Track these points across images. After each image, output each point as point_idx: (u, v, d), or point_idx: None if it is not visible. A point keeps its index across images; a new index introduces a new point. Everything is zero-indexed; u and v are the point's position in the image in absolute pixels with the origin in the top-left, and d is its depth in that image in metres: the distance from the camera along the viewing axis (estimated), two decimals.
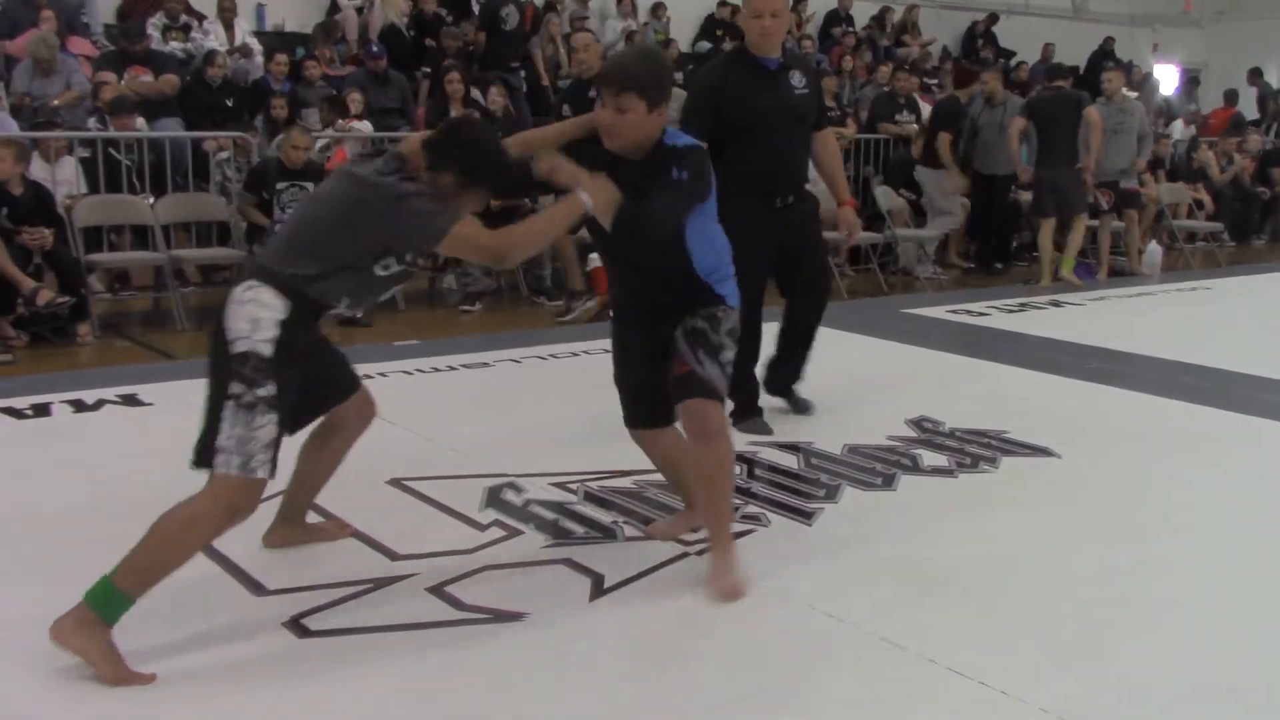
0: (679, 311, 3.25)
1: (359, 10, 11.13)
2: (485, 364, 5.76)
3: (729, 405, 3.38)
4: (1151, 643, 2.96)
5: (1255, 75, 16.34)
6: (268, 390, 2.76)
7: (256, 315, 2.77)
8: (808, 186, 4.85)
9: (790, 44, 6.11)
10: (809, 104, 4.69)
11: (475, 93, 9.28)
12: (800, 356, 5.03)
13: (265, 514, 3.50)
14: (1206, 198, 12.44)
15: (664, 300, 3.28)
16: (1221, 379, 5.88)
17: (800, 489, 4.03)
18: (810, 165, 4.87)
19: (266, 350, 2.76)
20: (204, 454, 2.83)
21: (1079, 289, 9.14)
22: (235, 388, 2.76)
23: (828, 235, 5.48)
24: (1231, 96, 15.69)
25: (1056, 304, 8.33)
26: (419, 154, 2.92)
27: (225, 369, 2.77)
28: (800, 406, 5.05)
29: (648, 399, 3.44)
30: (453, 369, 5.62)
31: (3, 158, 6.49)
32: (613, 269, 3.47)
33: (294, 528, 3.44)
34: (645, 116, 3.11)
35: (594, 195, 3.03)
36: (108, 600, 2.69)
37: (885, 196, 9.77)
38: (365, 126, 8.80)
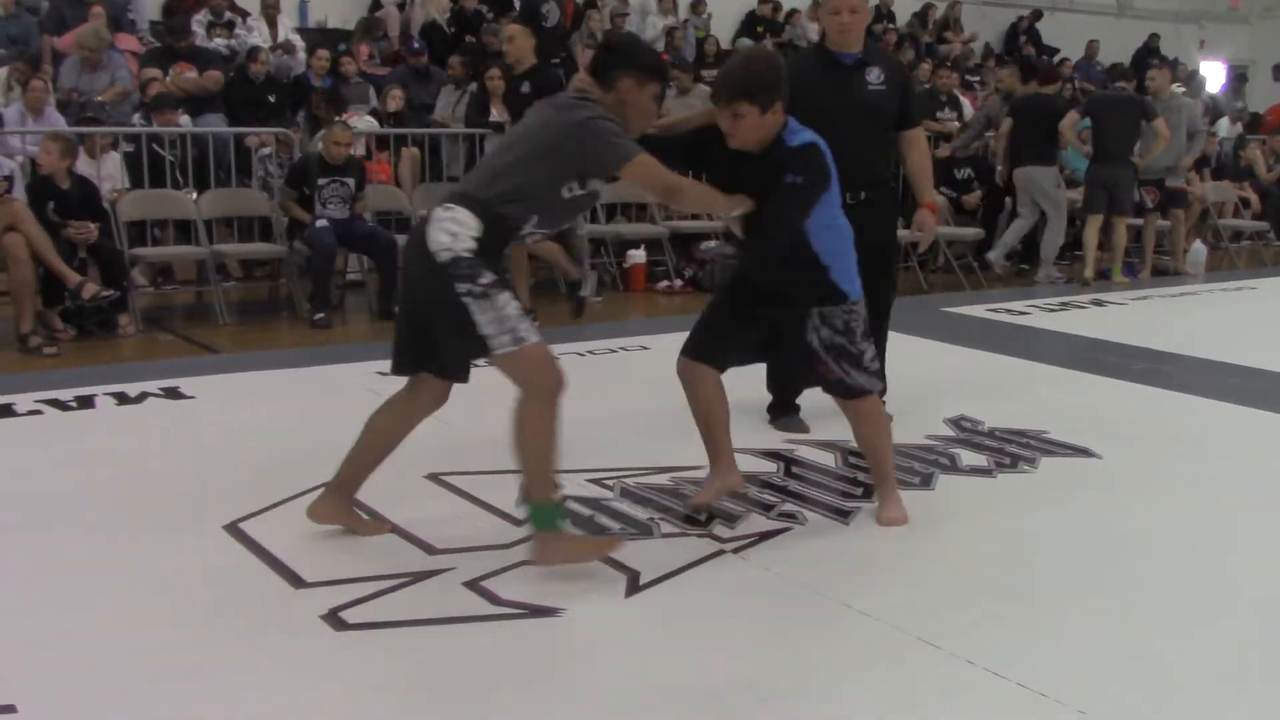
0: (800, 296, 3.52)
1: (400, 7, 11.19)
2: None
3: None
4: (1192, 645, 2.93)
5: None
6: (488, 278, 3.02)
7: (454, 229, 3.02)
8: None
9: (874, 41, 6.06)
10: (885, 100, 4.66)
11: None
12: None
13: (303, 504, 3.54)
14: (1253, 196, 12.28)
15: (784, 280, 3.53)
16: (1268, 380, 5.81)
17: (837, 487, 4.02)
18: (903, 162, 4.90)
19: (469, 253, 3.01)
20: (452, 365, 3.21)
21: (1123, 288, 9.07)
22: (461, 287, 2.99)
23: (903, 235, 5.40)
24: None
25: (1099, 303, 8.26)
26: (591, 81, 3.20)
27: (440, 282, 3.01)
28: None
29: (717, 340, 3.65)
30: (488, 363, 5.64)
31: (50, 151, 6.57)
32: (739, 244, 3.70)
33: (341, 503, 3.48)
34: (760, 118, 3.35)
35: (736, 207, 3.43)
36: (542, 515, 3.09)
37: None
38: (367, 123, 8.72)
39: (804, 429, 4.69)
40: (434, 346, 3.21)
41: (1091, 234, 9.35)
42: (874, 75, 4.64)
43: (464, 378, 3.32)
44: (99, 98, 8.33)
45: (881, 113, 4.67)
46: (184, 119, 8.10)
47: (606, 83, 3.19)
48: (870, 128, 4.63)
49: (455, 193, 3.14)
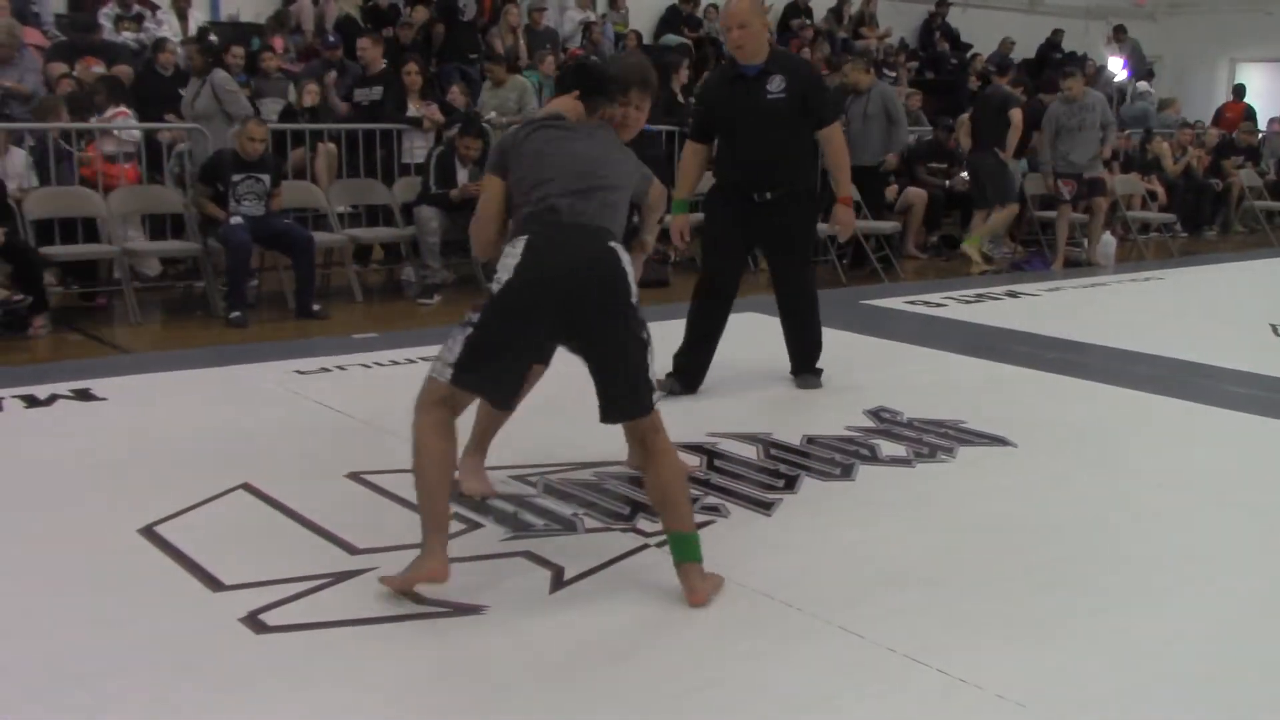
0: None
1: (314, 1, 11.04)
2: None
3: None
4: (1107, 629, 2.99)
5: None
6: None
7: (632, 272, 3.12)
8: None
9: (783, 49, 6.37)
10: (784, 107, 4.89)
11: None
12: (799, 338, 5.38)
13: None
14: (1160, 189, 12.58)
15: None
16: (1176, 368, 5.96)
17: (759, 479, 4.05)
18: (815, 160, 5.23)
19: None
20: (628, 409, 3.11)
21: (990, 272, 9.41)
22: (644, 334, 3.10)
23: (823, 229, 5.59)
24: (1240, 90, 16.08)
25: (1013, 295, 8.40)
26: (576, 107, 3.26)
27: (634, 320, 3.07)
28: (807, 383, 5.37)
29: None
30: (411, 361, 5.58)
31: None
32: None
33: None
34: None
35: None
36: (696, 546, 3.09)
37: None
38: (130, 119, 8.20)
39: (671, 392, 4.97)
40: (602, 380, 3.13)
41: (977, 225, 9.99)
42: (774, 84, 4.89)
43: (616, 419, 3.17)
44: (7, 84, 8.10)
45: (782, 119, 4.91)
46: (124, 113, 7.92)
47: (606, 102, 3.28)
48: (771, 134, 4.91)
49: (607, 229, 3.12)
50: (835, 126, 5.16)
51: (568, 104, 3.31)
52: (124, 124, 7.86)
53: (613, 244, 3.09)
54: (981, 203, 9.99)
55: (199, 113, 8.13)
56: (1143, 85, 15.95)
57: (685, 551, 3.08)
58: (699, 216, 5.68)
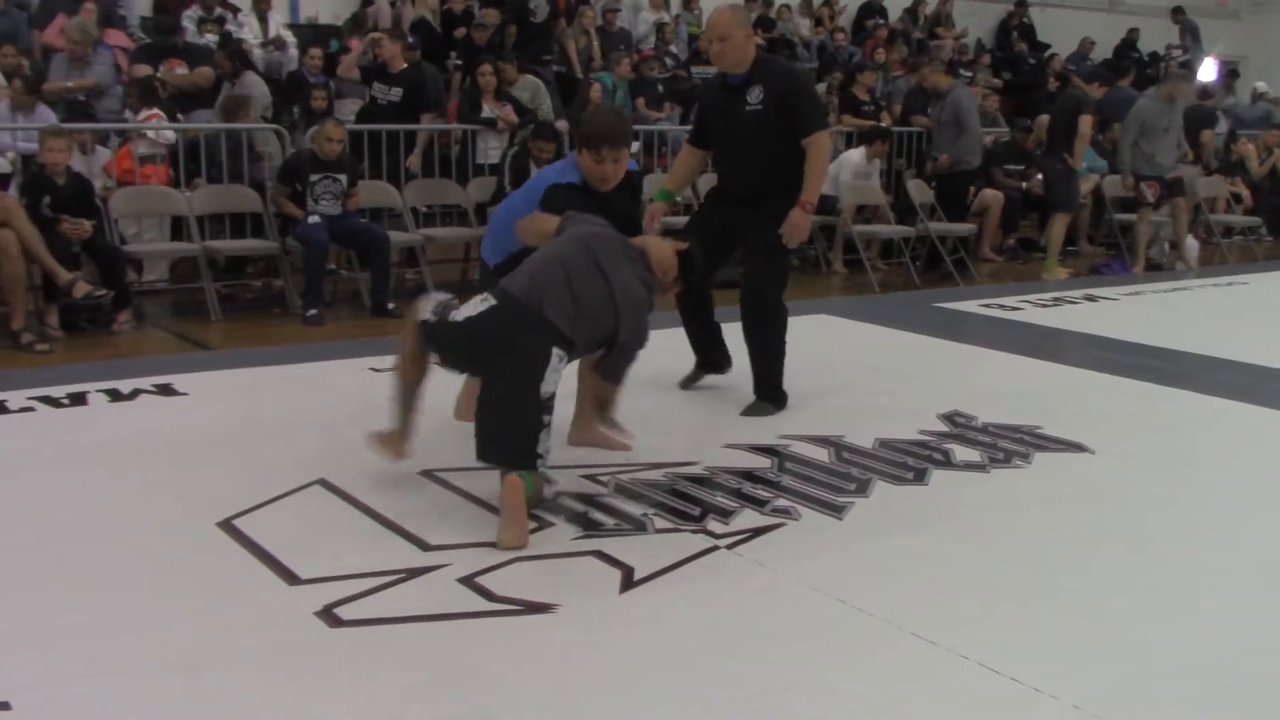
0: None
1: (392, 3, 11.15)
2: None
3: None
4: (1184, 642, 2.94)
5: None
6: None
7: (558, 379, 3.65)
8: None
9: (772, 57, 6.43)
10: (762, 117, 4.89)
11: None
12: (751, 356, 5.07)
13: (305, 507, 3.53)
14: (1245, 191, 12.31)
15: None
16: (1258, 375, 5.83)
17: (831, 482, 4.02)
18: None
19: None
20: (491, 449, 3.62)
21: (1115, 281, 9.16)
22: (547, 418, 3.61)
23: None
24: None
25: (1091, 299, 8.28)
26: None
27: (534, 400, 3.56)
28: (751, 409, 4.98)
29: None
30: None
31: (58, 147, 6.57)
32: None
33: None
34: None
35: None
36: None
37: (917, 190, 9.73)
38: (163, 120, 8.12)
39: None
40: None
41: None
42: (754, 95, 4.92)
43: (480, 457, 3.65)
44: (69, 84, 8.28)
45: (761, 129, 4.92)
46: (156, 115, 8.00)
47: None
48: (752, 142, 4.96)
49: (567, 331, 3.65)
50: (819, 135, 4.92)
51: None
52: (196, 124, 8.01)
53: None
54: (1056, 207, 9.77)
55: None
56: (1262, 85, 15.59)
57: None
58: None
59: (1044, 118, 10.92)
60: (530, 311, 3.58)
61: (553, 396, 3.52)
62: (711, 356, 5.33)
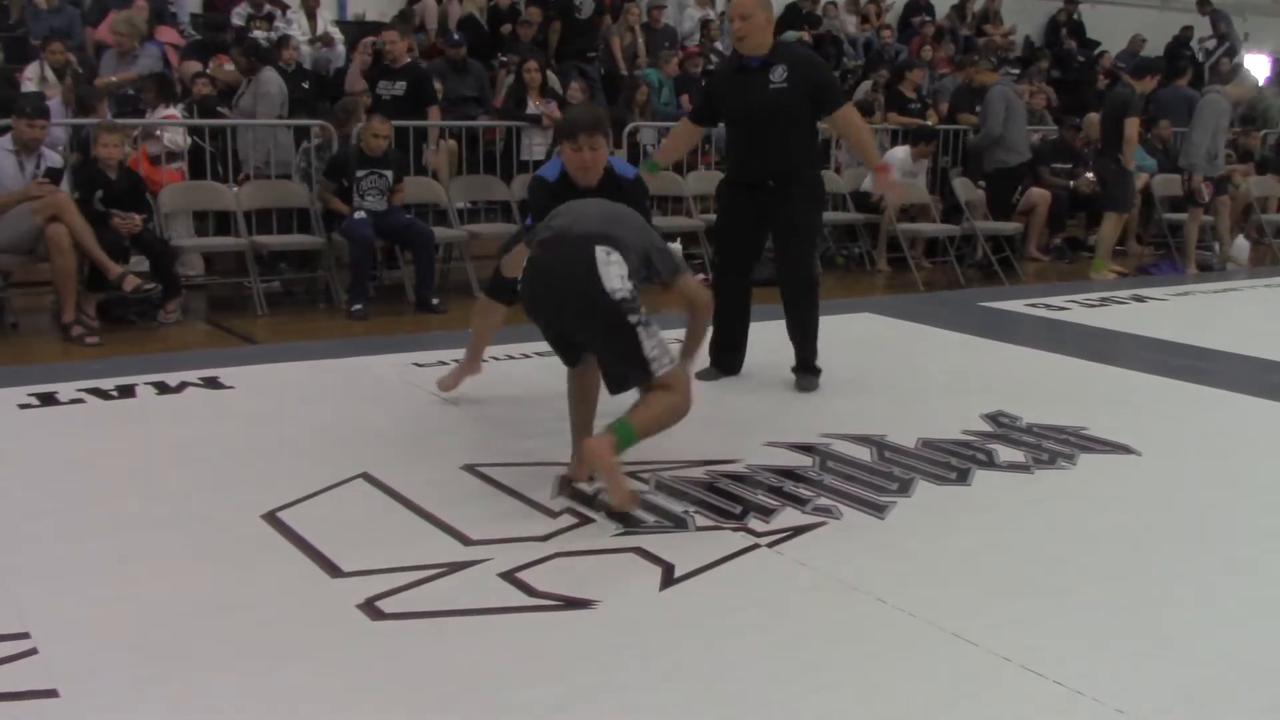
0: None
1: (438, 0, 11.21)
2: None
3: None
4: (1230, 646, 2.90)
5: None
6: (646, 315, 3.55)
7: (622, 272, 3.54)
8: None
9: (801, 38, 6.67)
10: (786, 97, 5.03)
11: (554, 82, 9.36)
12: (792, 332, 5.33)
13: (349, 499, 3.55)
14: None
15: None
16: None
17: (873, 482, 4.00)
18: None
19: (633, 293, 3.56)
20: (624, 381, 3.62)
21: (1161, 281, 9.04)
22: (633, 318, 3.50)
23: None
24: None
25: (1139, 299, 8.18)
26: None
27: (615, 312, 3.50)
28: (805, 385, 5.29)
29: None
30: (527, 356, 5.66)
31: (113, 142, 6.67)
32: None
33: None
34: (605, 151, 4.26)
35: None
36: (627, 432, 3.50)
37: (963, 188, 9.66)
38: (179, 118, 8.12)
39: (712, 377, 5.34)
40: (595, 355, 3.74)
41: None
42: (777, 74, 5.04)
43: (617, 390, 3.71)
44: (112, 77, 8.37)
45: (784, 108, 5.05)
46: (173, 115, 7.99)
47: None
48: (774, 123, 5.08)
49: (605, 235, 3.62)
50: (846, 108, 5.23)
51: None
52: (244, 121, 8.08)
53: (602, 249, 3.58)
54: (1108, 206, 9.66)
55: (243, 112, 8.44)
56: None
57: (620, 429, 3.51)
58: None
59: (1093, 116, 10.80)
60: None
61: (631, 293, 3.55)
62: (731, 359, 5.43)
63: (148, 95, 8.04)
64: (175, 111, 7.90)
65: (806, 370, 5.29)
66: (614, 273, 3.51)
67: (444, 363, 5.44)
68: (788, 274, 5.28)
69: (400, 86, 8.59)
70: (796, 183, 5.14)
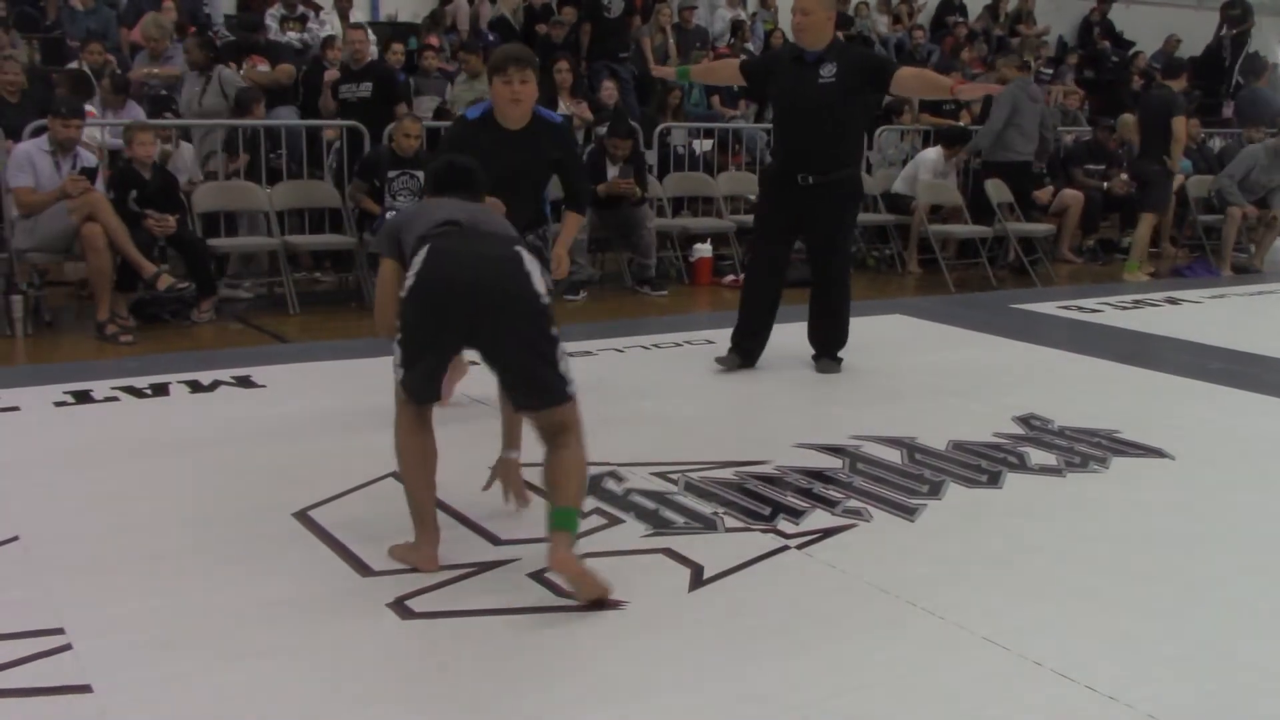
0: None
1: (471, 1, 11.25)
2: (589, 353, 5.79)
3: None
4: (1264, 652, 2.87)
5: None
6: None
7: (544, 278, 3.18)
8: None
9: (843, 37, 6.84)
10: (835, 92, 5.16)
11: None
12: (823, 326, 5.53)
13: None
14: None
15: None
16: None
17: (903, 484, 3.98)
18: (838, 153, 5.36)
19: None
20: (544, 395, 3.13)
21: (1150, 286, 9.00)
22: (554, 331, 3.13)
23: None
24: None
25: (1173, 301, 8.11)
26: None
27: (545, 318, 3.12)
28: (826, 368, 5.52)
29: None
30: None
31: (145, 141, 6.73)
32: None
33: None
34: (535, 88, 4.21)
35: None
36: (573, 521, 3.04)
37: (995, 189, 9.60)
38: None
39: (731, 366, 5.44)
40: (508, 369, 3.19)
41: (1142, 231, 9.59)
42: (827, 70, 5.17)
43: (531, 405, 3.20)
44: (150, 70, 8.42)
45: (832, 104, 5.18)
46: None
47: None
48: (822, 118, 5.18)
49: (520, 239, 3.30)
50: (900, 69, 5.33)
51: None
52: (288, 121, 8.13)
53: (523, 248, 3.17)
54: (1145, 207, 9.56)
55: (207, 110, 7.94)
56: None
57: (564, 521, 3.01)
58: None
59: (1127, 117, 10.73)
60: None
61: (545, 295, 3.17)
62: (752, 346, 5.52)
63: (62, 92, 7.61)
64: (94, 110, 7.59)
65: (829, 356, 5.48)
66: (539, 276, 3.12)
67: (475, 362, 5.45)
68: (830, 273, 5.42)
69: (366, 88, 8.29)
70: (837, 180, 5.24)
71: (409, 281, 3.09)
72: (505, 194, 4.01)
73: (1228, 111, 13.63)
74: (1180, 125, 9.01)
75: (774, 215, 5.46)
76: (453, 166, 3.50)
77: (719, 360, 5.49)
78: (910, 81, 5.29)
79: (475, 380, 5.16)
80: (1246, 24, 15.29)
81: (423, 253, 3.08)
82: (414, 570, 3.17)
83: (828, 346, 5.54)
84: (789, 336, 5.51)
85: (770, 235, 5.53)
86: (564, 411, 3.13)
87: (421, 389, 3.17)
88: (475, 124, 4.27)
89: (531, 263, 3.11)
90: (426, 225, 3.18)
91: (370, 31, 10.32)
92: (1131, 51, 14.87)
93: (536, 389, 3.13)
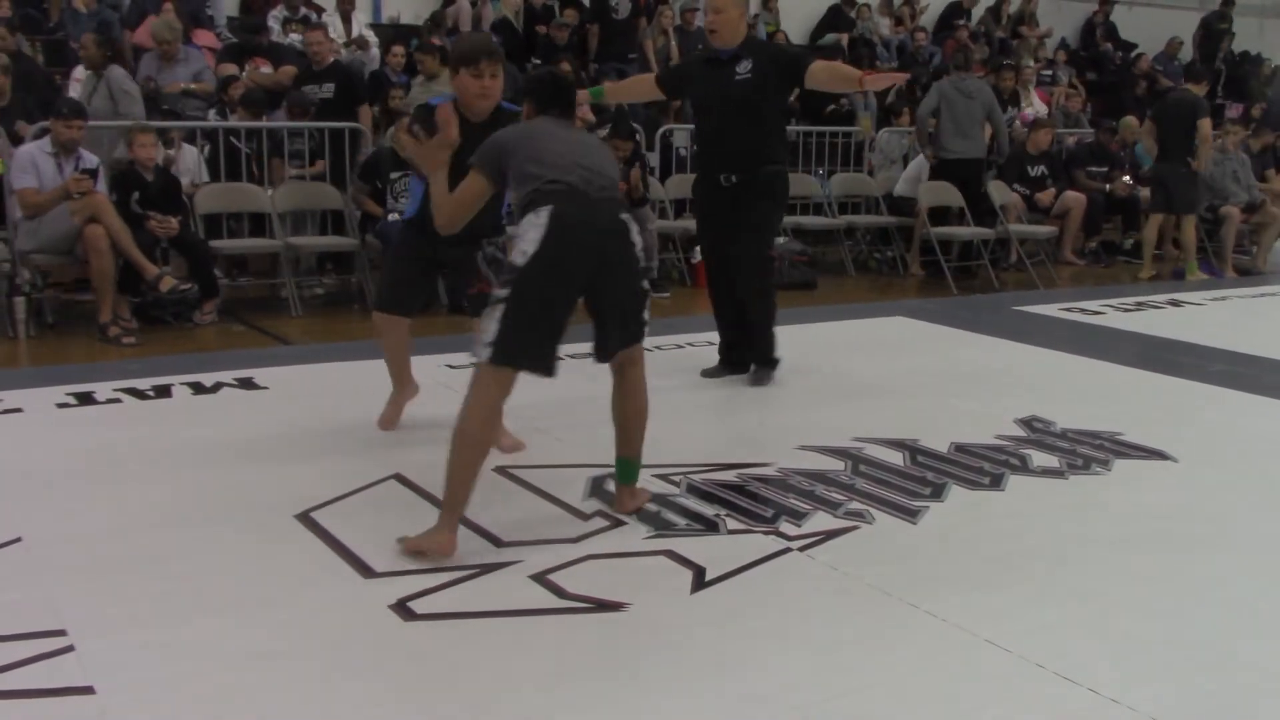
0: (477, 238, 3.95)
1: (473, 2, 11.25)
2: (589, 354, 5.76)
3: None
4: (1266, 655, 2.86)
5: None
6: None
7: (641, 236, 3.44)
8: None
9: (758, 34, 6.76)
10: (751, 88, 5.12)
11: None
12: (750, 331, 5.37)
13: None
14: None
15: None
16: None
17: (905, 486, 3.98)
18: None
19: None
20: (637, 335, 3.52)
21: (1199, 287, 8.95)
22: (645, 285, 3.49)
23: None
24: None
25: (1175, 303, 8.11)
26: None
27: (640, 278, 3.45)
28: (755, 378, 5.34)
29: (407, 291, 4.40)
30: (559, 358, 5.65)
31: (147, 143, 6.73)
32: None
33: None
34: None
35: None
36: (637, 470, 3.64)
37: (998, 191, 9.60)
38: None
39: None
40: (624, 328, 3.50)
41: (1151, 231, 9.60)
42: (743, 68, 5.13)
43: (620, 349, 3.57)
44: (191, 85, 8.44)
45: (746, 100, 5.13)
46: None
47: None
48: (739, 116, 5.14)
49: (619, 200, 3.54)
50: (814, 62, 5.24)
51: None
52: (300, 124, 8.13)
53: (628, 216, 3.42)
54: (1164, 209, 9.52)
55: (94, 112, 7.29)
56: None
57: (630, 474, 3.61)
58: None
59: (1129, 119, 10.75)
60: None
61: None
62: (737, 361, 5.43)
63: None
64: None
65: (764, 364, 5.32)
66: (639, 240, 3.43)
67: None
68: (748, 267, 5.28)
69: (328, 88, 8.25)
70: (757, 178, 5.19)
71: (531, 248, 3.21)
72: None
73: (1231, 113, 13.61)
74: (1207, 127, 9.16)
75: (708, 220, 5.41)
76: (555, 80, 3.61)
77: (705, 373, 5.42)
78: (821, 75, 5.17)
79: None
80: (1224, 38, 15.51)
81: (544, 218, 3.22)
82: (417, 571, 3.16)
83: (759, 355, 5.33)
84: (789, 337, 5.50)
85: (711, 242, 5.44)
86: (640, 348, 3.55)
87: (532, 354, 3.29)
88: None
89: (634, 229, 3.39)
90: (537, 169, 3.32)
91: (373, 33, 10.36)
92: (1134, 54, 14.87)
93: (629, 332, 3.47)
